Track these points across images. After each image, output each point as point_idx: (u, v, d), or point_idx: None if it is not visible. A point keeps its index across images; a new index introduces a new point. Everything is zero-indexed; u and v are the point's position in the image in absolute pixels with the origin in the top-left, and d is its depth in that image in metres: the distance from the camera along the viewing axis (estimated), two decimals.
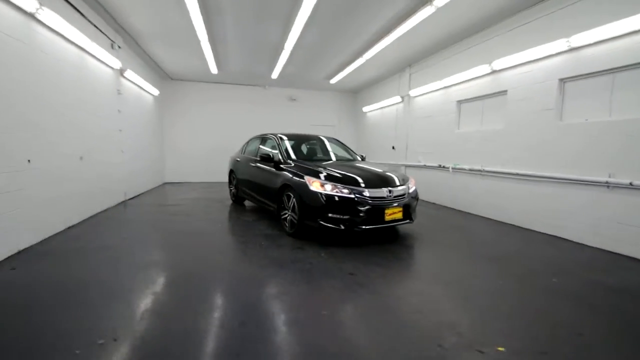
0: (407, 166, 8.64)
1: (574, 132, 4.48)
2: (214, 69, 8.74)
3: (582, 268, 3.45)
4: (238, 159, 6.77)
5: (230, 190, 7.18)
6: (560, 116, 4.71)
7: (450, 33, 6.23)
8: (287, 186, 4.45)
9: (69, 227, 4.52)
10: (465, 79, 6.41)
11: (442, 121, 7.27)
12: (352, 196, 3.87)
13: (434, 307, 2.52)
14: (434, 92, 7.49)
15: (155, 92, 8.93)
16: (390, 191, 4.11)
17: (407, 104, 8.65)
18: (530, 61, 5.04)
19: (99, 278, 2.92)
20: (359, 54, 7.41)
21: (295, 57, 7.65)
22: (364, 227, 3.88)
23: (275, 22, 5.79)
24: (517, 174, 5.27)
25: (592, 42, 4.18)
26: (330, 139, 6.10)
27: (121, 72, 6.56)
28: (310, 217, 3.99)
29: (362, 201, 3.88)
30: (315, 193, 3.94)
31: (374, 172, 4.48)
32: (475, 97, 6.32)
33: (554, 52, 4.65)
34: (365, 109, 11.27)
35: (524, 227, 5.17)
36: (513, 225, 5.32)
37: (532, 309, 2.53)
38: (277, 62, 8.06)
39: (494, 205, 5.79)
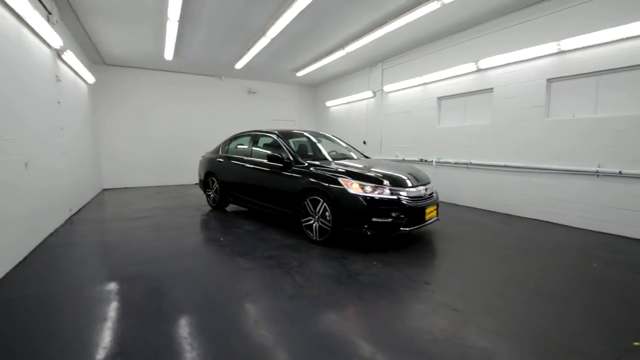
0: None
1: (562, 128, 4.97)
2: (169, 54, 7.49)
3: (601, 250, 3.83)
4: (220, 160, 5.93)
5: (209, 195, 6.27)
6: (547, 113, 5.18)
7: (435, 31, 6.38)
8: (311, 190, 3.99)
9: (12, 268, 3.32)
10: (447, 76, 6.65)
11: (421, 117, 7.48)
12: (395, 197, 3.64)
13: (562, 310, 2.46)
14: (411, 88, 7.65)
15: (91, 79, 7.28)
16: (426, 189, 4.00)
17: (380, 99, 8.70)
18: (518, 61, 5.43)
19: None
20: (341, 46, 7.13)
21: (272, 46, 6.99)
22: (407, 229, 3.69)
23: (267, 4, 5.13)
24: (507, 166, 5.69)
25: (580, 46, 4.65)
26: (327, 136, 5.71)
27: (59, 53, 5.11)
28: (351, 224, 3.62)
29: (405, 202, 3.67)
30: (355, 196, 3.59)
31: (406, 170, 4.30)
32: (458, 94, 6.61)
33: (543, 54, 5.07)
34: (328, 103, 11.06)
35: (515, 214, 5.62)
36: (506, 214, 5.75)
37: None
38: (249, 50, 7.27)
39: (483, 195, 6.17)
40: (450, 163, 6.74)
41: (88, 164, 7.18)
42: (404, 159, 7.91)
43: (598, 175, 4.57)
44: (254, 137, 5.42)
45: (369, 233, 3.56)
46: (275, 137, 5.01)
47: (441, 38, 6.74)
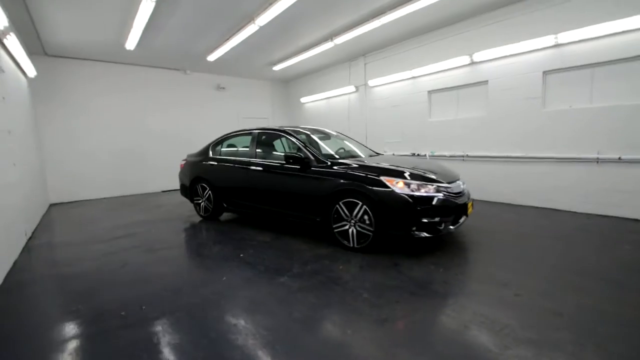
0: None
1: (559, 118, 5.21)
2: (132, 43, 6.43)
3: (620, 232, 4.03)
4: (212, 163, 5.20)
5: (198, 204, 5.49)
6: (543, 104, 5.40)
7: (426, 24, 6.32)
8: (345, 192, 3.59)
9: None
10: (439, 69, 6.66)
11: (410, 111, 7.44)
12: (441, 194, 3.41)
13: None
14: (400, 81, 7.57)
15: (32, 71, 5.96)
16: (463, 184, 3.85)
17: (364, 94, 8.52)
18: (514, 54, 5.58)
19: None
20: (330, 37, 6.76)
21: (255, 36, 6.36)
22: (453, 227, 3.50)
23: None
24: (505, 157, 5.85)
25: (576, 40, 4.88)
26: (327, 133, 5.28)
27: (0, 37, 4.00)
28: (399, 226, 3.31)
29: (450, 199, 3.47)
30: (402, 196, 3.28)
31: (436, 165, 4.10)
32: (450, 87, 6.66)
33: (540, 47, 5.25)
34: (304, 99, 10.61)
35: (515, 204, 5.80)
36: (506, 203, 5.91)
37: None
38: (230, 39, 6.54)
39: (481, 187, 6.28)
40: (445, 156, 6.79)
41: (35, 175, 5.88)
42: (393, 154, 7.83)
43: (598, 162, 4.85)
44: (257, 136, 4.82)
45: (418, 235, 3.29)
46: (286, 134, 4.50)
47: (431, 31, 6.72)
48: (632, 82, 4.52)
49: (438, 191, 3.41)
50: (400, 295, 2.60)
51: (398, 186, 3.33)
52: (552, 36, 5.04)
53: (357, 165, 3.73)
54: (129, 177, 8.47)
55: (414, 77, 7.25)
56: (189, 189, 5.62)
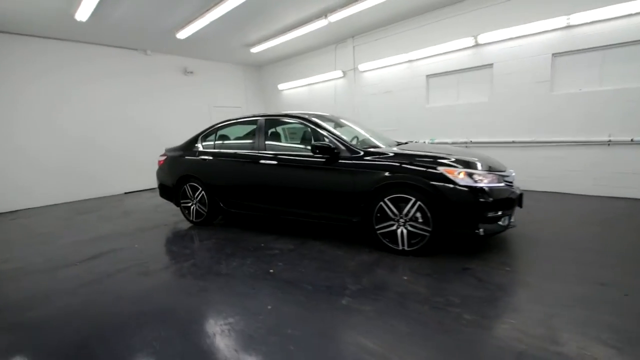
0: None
1: (568, 101, 5.15)
2: (85, 13, 5.15)
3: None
4: (206, 158, 4.33)
5: (187, 207, 4.57)
6: (552, 87, 5.31)
7: (423, 4, 5.95)
8: (392, 186, 3.05)
9: None
10: (439, 52, 6.34)
11: (407, 96, 7.07)
12: (503, 185, 3.02)
13: None
14: (394, 66, 7.14)
15: None
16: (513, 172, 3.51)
17: (353, 80, 7.98)
18: (522, 36, 5.40)
19: None
20: (323, 14, 6.07)
21: (239, 11, 5.46)
22: (513, 221, 3.14)
23: None
24: (513, 142, 5.73)
25: (588, 21, 4.79)
26: (333, 119, 4.60)
27: None
28: (463, 223, 2.86)
29: (511, 189, 3.10)
30: (467, 189, 2.82)
31: (475, 153, 3.70)
32: (451, 71, 6.38)
33: (550, 29, 5.11)
34: (281, 86, 9.78)
35: (525, 189, 5.72)
36: None
37: None
38: (208, 12, 5.54)
39: None
40: (447, 143, 6.54)
41: None
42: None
43: (609, 145, 4.87)
44: (265, 124, 4.04)
45: (485, 232, 2.87)
46: (305, 121, 3.80)
47: (430, 11, 6.35)
48: None
49: (499, 181, 3.01)
50: (504, 310, 2.15)
51: (460, 177, 2.87)
52: (565, 17, 4.91)
53: (399, 155, 3.20)
54: (82, 179, 7.07)
55: (410, 61, 6.86)
56: (173, 190, 4.66)
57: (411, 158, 3.10)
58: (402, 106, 7.16)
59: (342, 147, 3.40)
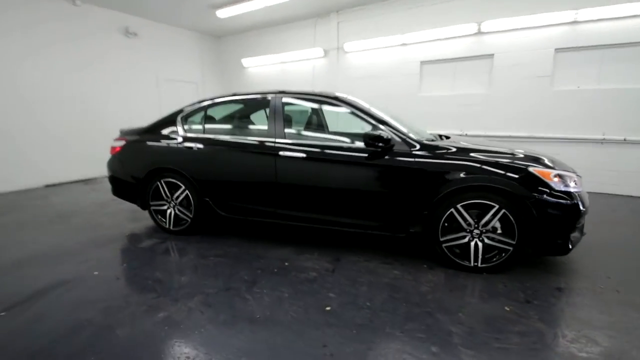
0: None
1: (567, 98, 5.17)
2: None
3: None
4: (192, 146, 3.19)
5: (161, 211, 3.40)
6: (552, 83, 5.29)
7: None
8: (471, 190, 2.46)
9: None
10: (438, 37, 5.91)
11: (398, 83, 6.57)
12: (582, 189, 2.66)
13: None
14: (386, 48, 6.54)
15: None
16: None
17: (336, 61, 7.19)
18: (526, 27, 5.22)
19: None
20: None
21: None
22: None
23: None
24: (510, 137, 5.63)
25: (594, 18, 4.76)
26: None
27: None
28: (556, 235, 2.40)
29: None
30: (562, 194, 2.36)
31: (534, 150, 3.28)
32: (448, 59, 6.02)
33: (556, 22, 5.00)
34: (247, 62, 8.50)
35: None
36: None
37: None
38: None
39: None
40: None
41: None
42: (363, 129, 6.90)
43: (603, 143, 5.02)
44: (281, 105, 3.07)
45: (572, 245, 2.47)
46: (337, 101, 3.00)
47: None
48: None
49: (578, 184, 2.64)
50: None
51: (555, 180, 2.40)
52: (573, 12, 4.82)
53: (464, 150, 2.61)
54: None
55: (404, 44, 6.33)
56: (138, 188, 3.42)
57: (488, 155, 2.54)
58: (392, 94, 6.63)
59: (398, 139, 2.69)
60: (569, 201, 2.37)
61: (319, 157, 2.83)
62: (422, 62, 6.28)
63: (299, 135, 3.15)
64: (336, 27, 7.02)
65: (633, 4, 4.49)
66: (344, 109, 2.98)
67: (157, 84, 7.53)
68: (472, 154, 2.56)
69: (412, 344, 1.78)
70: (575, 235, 2.48)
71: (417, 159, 2.59)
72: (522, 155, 2.59)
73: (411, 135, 2.76)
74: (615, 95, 4.85)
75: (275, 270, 2.64)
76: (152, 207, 3.44)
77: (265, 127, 3.06)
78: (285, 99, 3.11)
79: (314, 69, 7.61)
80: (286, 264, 2.75)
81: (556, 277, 2.51)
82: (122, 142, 3.52)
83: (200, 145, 3.18)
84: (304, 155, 2.84)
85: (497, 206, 2.42)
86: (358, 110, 2.90)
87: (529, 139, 5.48)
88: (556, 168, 2.50)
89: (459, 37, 5.78)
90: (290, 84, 7.95)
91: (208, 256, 2.89)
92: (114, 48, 6.69)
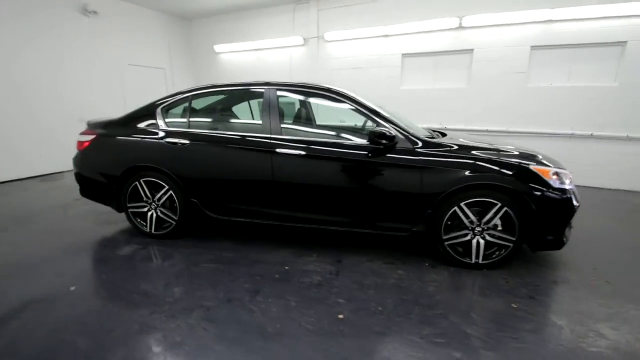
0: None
1: (540, 94, 5.41)
2: None
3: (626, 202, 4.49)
4: (176, 142, 2.90)
5: (140, 213, 3.09)
6: (527, 79, 5.50)
7: None
8: (474, 188, 2.46)
9: None
10: (420, 29, 5.91)
11: (379, 75, 6.52)
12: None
13: None
14: (368, 39, 6.43)
15: None
16: None
17: (316, 50, 6.97)
18: (505, 24, 5.35)
19: None
20: None
21: None
22: None
23: None
24: (487, 131, 5.82)
25: (567, 18, 4.98)
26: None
27: None
28: (553, 231, 2.48)
29: None
30: (560, 191, 2.44)
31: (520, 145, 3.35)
32: (429, 52, 6.05)
33: (532, 20, 5.16)
34: (219, 48, 8.01)
35: None
36: None
37: None
38: None
39: None
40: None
41: None
42: (355, 124, 6.83)
43: (571, 138, 5.34)
44: (276, 99, 2.85)
45: (566, 240, 2.57)
46: (338, 95, 2.88)
47: None
48: (606, 65, 4.99)
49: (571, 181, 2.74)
50: None
51: (553, 178, 2.46)
52: (549, 10, 5.00)
53: (465, 147, 2.61)
54: None
55: (386, 36, 6.27)
56: (113, 188, 3.08)
57: (489, 153, 2.56)
58: (374, 86, 6.58)
59: (401, 136, 2.62)
60: (565, 198, 2.45)
61: (320, 154, 2.68)
62: (404, 55, 6.26)
63: (295, 130, 2.98)
64: (316, 14, 6.79)
65: (601, 6, 4.74)
66: (345, 105, 2.84)
67: (119, 69, 6.86)
68: (474, 152, 2.57)
69: (434, 350, 1.75)
70: (568, 231, 2.58)
71: (421, 157, 2.55)
72: (518, 153, 2.64)
73: (413, 131, 2.70)
74: (583, 93, 5.15)
75: (277, 276, 2.50)
76: (130, 210, 3.11)
77: (259, 122, 2.86)
78: (280, 92, 2.91)
79: (291, 58, 7.34)
80: (286, 268, 2.62)
81: (551, 272, 2.61)
82: (92, 136, 3.12)
83: (186, 141, 2.90)
84: (303, 152, 2.69)
85: (499, 204, 2.45)
86: (361, 107, 2.80)
87: (505, 133, 5.70)
88: (553, 166, 2.57)
89: (441, 30, 5.81)
90: (267, 72, 7.63)
91: (200, 262, 2.67)
92: (71, 27, 5.95)
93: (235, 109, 3.30)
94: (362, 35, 6.40)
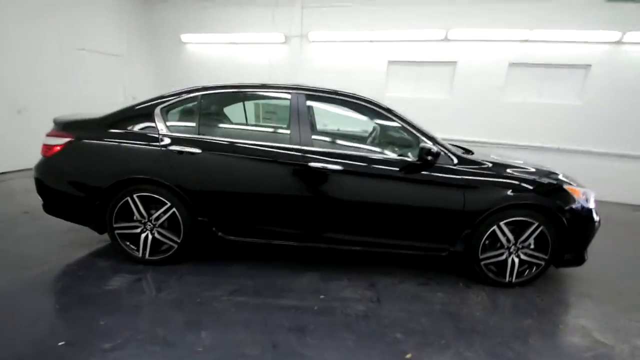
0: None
1: (514, 109, 5.81)
2: None
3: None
4: (184, 150, 2.42)
5: (132, 236, 2.54)
6: (504, 94, 5.84)
7: None
8: (516, 207, 2.44)
9: None
10: (407, 38, 5.95)
11: (364, 81, 6.38)
12: None
13: None
14: (354, 42, 6.30)
15: None
16: None
17: (299, 50, 6.66)
18: (488, 40, 5.62)
19: None
20: None
21: None
22: None
23: None
24: (467, 142, 6.07)
25: (543, 39, 5.40)
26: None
27: None
28: (577, 249, 2.57)
29: None
30: (586, 211, 2.53)
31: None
32: (414, 61, 6.14)
33: (513, 38, 5.50)
34: (187, 37, 7.25)
35: None
36: None
37: None
38: None
39: None
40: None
41: None
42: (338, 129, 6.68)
43: (541, 150, 5.80)
44: (305, 105, 2.56)
45: (586, 257, 2.69)
46: (367, 103, 2.80)
47: None
48: (573, 85, 5.52)
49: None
50: None
51: (582, 198, 2.55)
52: (528, 30, 5.36)
53: (499, 165, 2.60)
54: None
55: (372, 41, 6.20)
56: (95, 205, 2.48)
57: (523, 172, 2.56)
58: (359, 91, 6.44)
59: (443, 154, 2.50)
60: (591, 216, 2.55)
61: (359, 170, 2.45)
62: (390, 62, 6.27)
63: (329, 142, 2.71)
64: (300, 11, 6.47)
65: (572, 31, 5.21)
66: (394, 123, 2.67)
67: (69, 54, 5.79)
68: (508, 170, 2.55)
69: None
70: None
71: (463, 176, 2.46)
72: (547, 171, 2.68)
73: (449, 147, 2.61)
74: (552, 110, 5.63)
75: (316, 308, 2.21)
76: (118, 231, 2.54)
77: (286, 130, 2.52)
78: (307, 94, 2.61)
79: (271, 56, 6.91)
80: (322, 296, 2.34)
81: (573, 287, 2.72)
82: (66, 140, 2.48)
83: (197, 149, 2.44)
84: (340, 167, 2.43)
85: (537, 223, 2.46)
86: (407, 124, 2.63)
87: (484, 144, 5.99)
88: (580, 186, 2.66)
89: (427, 41, 5.92)
90: (243, 68, 7.09)
91: (220, 296, 2.26)
92: (5, 6, 4.84)
93: (250, 112, 2.90)
94: (348, 38, 6.26)
